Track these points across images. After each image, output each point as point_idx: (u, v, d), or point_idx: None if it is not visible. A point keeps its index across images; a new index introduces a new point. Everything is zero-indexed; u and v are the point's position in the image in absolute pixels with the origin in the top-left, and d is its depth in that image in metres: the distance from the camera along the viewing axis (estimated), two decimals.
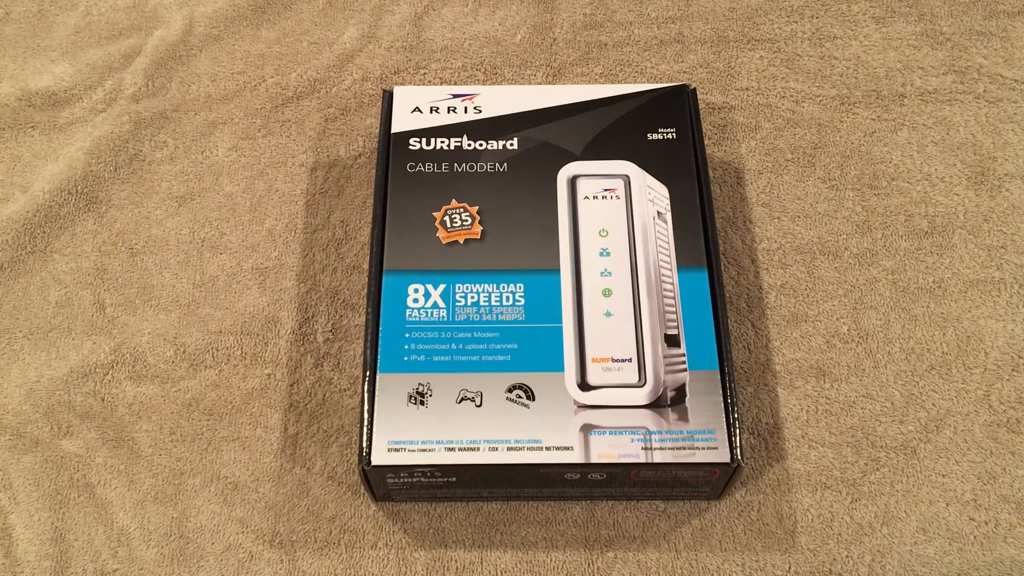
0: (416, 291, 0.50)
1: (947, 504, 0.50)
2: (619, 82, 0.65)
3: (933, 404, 0.53)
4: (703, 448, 0.46)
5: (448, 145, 0.55)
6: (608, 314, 0.49)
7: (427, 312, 0.50)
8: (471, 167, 0.54)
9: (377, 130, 0.63)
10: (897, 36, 0.66)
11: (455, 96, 0.57)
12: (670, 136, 0.55)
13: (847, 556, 0.49)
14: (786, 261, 0.58)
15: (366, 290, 0.56)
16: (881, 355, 0.54)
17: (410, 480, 0.47)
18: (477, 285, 0.50)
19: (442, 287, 0.50)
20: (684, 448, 0.46)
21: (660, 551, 0.49)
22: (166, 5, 0.69)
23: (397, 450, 0.46)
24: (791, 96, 0.64)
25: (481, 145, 0.55)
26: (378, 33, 0.67)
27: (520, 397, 0.47)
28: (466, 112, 0.56)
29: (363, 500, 0.51)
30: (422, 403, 0.47)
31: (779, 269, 0.57)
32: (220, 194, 0.61)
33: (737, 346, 0.55)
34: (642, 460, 0.46)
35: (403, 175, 0.54)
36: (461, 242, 0.52)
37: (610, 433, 0.46)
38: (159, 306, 0.57)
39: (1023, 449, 0.52)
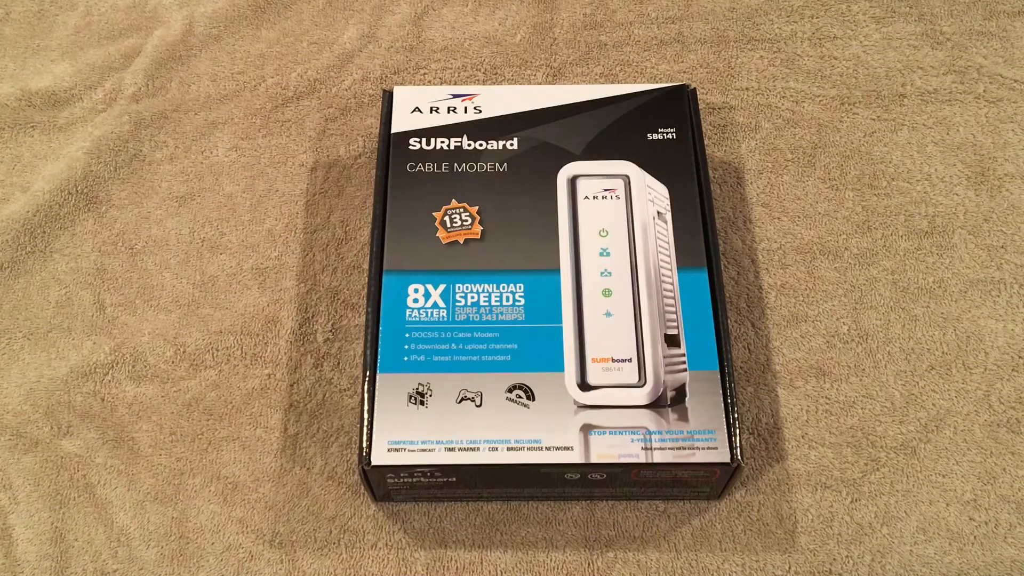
0: (416, 291, 0.50)
1: (947, 504, 0.50)
2: (619, 82, 0.65)
3: (933, 404, 0.53)
4: (703, 448, 0.46)
5: (448, 145, 0.55)
6: (608, 314, 0.49)
7: (427, 312, 0.50)
8: (471, 167, 0.54)
9: (377, 130, 0.63)
10: (897, 36, 0.66)
11: (455, 96, 0.57)
12: (670, 136, 0.55)
13: (847, 556, 0.49)
14: (786, 261, 0.58)
15: (366, 290, 0.56)
16: (881, 355, 0.54)
17: (410, 480, 0.47)
18: (477, 285, 0.50)
19: (442, 287, 0.50)
20: (684, 448, 0.46)
21: (660, 551, 0.49)
22: (166, 5, 0.69)
23: (397, 450, 0.46)
24: (791, 96, 0.64)
25: (481, 145, 0.55)
26: (378, 33, 0.67)
27: (520, 397, 0.47)
28: (466, 112, 0.56)
29: (363, 500, 0.51)
30: (422, 403, 0.47)
31: (779, 269, 0.57)
32: (220, 194, 0.61)
33: (737, 346, 0.55)
34: (642, 460, 0.46)
35: (403, 175, 0.54)
36: (461, 242, 0.52)
37: (610, 433, 0.46)
38: (159, 306, 0.57)
39: (1023, 449, 0.52)
